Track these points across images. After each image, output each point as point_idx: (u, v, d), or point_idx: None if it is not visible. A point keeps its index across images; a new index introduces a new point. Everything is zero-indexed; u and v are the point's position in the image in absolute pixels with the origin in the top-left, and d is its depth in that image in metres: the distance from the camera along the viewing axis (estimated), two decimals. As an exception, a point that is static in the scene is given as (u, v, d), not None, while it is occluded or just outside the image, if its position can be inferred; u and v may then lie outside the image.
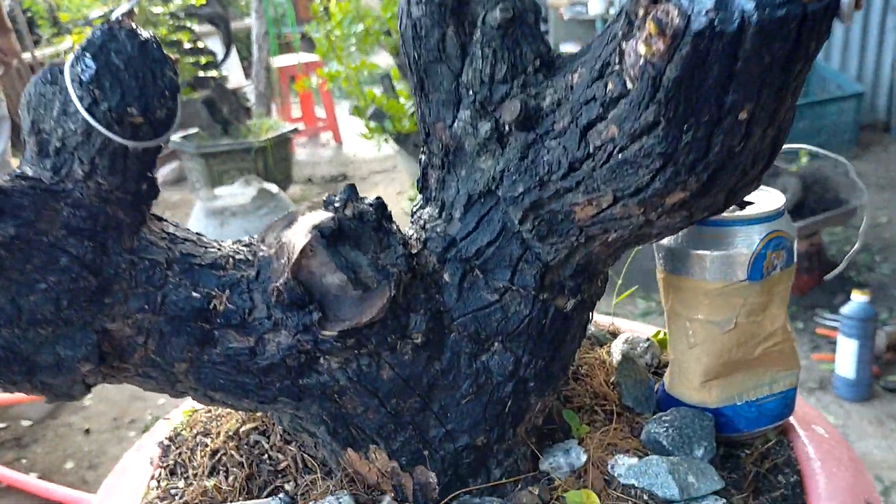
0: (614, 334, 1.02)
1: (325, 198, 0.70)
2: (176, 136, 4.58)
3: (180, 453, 0.85)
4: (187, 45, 5.22)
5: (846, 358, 2.45)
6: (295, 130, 5.09)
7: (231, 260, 0.70)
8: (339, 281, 0.66)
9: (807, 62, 0.50)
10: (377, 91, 3.88)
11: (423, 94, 0.70)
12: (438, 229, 0.72)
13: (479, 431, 0.73)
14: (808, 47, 0.48)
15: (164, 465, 0.84)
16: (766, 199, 0.78)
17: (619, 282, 0.99)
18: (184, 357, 0.68)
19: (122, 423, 2.70)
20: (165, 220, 0.72)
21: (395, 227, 0.70)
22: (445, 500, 0.73)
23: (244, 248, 0.71)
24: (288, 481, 0.78)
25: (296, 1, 7.86)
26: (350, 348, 0.68)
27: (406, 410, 0.71)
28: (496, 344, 0.71)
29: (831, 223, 3.11)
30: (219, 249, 0.71)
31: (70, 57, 0.61)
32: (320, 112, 6.52)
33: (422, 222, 0.74)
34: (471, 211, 0.70)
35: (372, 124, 3.79)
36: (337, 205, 0.69)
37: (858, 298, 2.41)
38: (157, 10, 5.01)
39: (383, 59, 4.45)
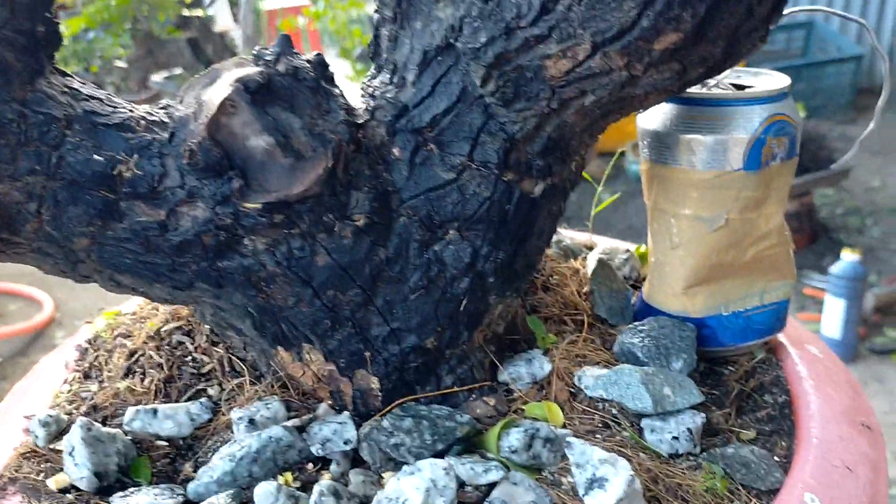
0: (591, 248, 0.92)
1: (257, 49, 0.59)
2: (158, 77, 4.44)
3: (97, 356, 0.75)
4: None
5: (833, 318, 2.40)
6: None
7: (143, 122, 0.59)
8: (265, 145, 0.56)
9: None
10: (364, 32, 3.78)
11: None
12: (389, 95, 0.61)
13: (428, 332, 0.63)
14: None
15: (80, 368, 0.74)
16: (767, 80, 0.68)
17: (600, 189, 0.88)
18: (84, 231, 0.57)
19: None
20: (71, 76, 0.61)
21: (337, 91, 0.60)
22: (389, 407, 0.64)
23: (160, 111, 0.60)
24: (212, 385, 0.68)
25: None
26: (278, 226, 0.57)
27: (345, 304, 0.61)
28: (451, 231, 0.61)
29: (823, 184, 3.04)
30: (130, 111, 0.60)
31: None
32: (307, 54, 6.42)
33: (371, 90, 0.63)
34: (426, 72, 0.59)
35: (359, 66, 3.66)
36: (268, 58, 0.58)
37: (849, 257, 2.36)
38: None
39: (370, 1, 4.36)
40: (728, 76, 0.70)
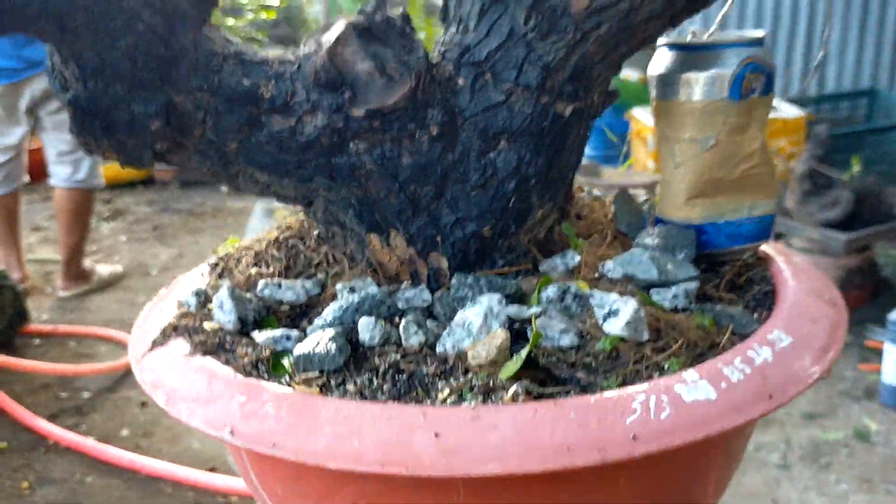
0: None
1: (359, 8, 0.78)
2: None
3: (228, 263, 0.93)
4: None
5: (892, 365, 2.41)
6: None
7: (276, 61, 0.78)
8: (367, 68, 0.74)
9: None
10: None
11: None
12: (456, 40, 0.79)
13: (485, 221, 0.80)
14: None
15: (214, 273, 0.92)
16: (745, 33, 0.84)
17: (625, 149, 1.05)
18: (235, 137, 0.76)
19: None
20: (220, 30, 0.81)
21: (416, 36, 0.78)
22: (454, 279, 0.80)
23: (289, 55, 0.79)
24: (320, 271, 0.86)
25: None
26: (375, 131, 0.75)
27: (422, 196, 0.79)
28: (502, 142, 0.78)
29: (883, 237, 3.03)
30: (266, 54, 0.79)
31: None
32: None
33: (442, 40, 0.81)
34: (483, 19, 0.77)
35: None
36: (368, 10, 0.77)
37: None
38: (230, 22, 5.04)
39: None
40: (715, 35, 0.86)
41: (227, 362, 0.71)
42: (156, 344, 0.77)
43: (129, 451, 2.39)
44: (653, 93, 0.86)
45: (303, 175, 0.77)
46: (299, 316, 0.81)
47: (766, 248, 0.90)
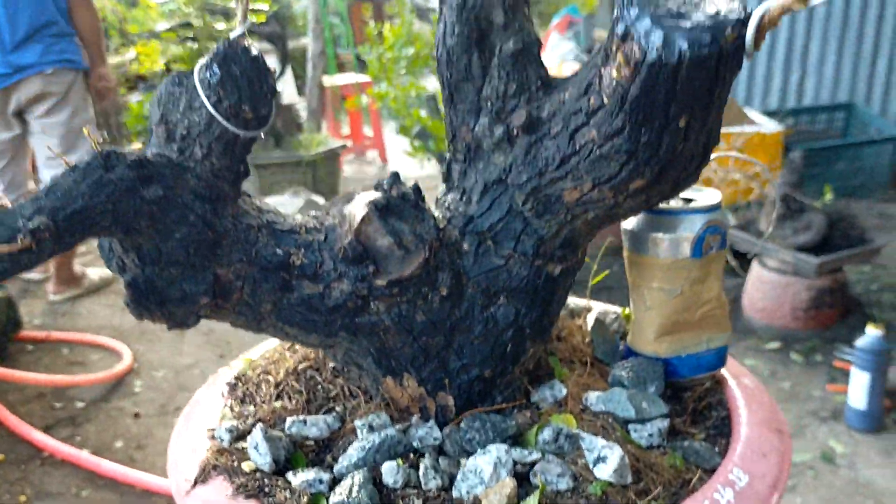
0: (589, 310, 1.20)
1: (375, 182, 0.88)
2: None
3: (247, 388, 1.02)
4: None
5: (858, 389, 2.48)
6: (343, 147, 5.13)
7: (304, 227, 0.88)
8: (388, 243, 0.84)
9: (724, 87, 0.69)
10: (423, 112, 4.00)
11: (452, 105, 0.89)
12: (460, 210, 0.90)
13: (487, 365, 0.91)
14: (724, 76, 0.67)
15: (235, 396, 1.01)
16: (706, 196, 0.98)
17: (595, 266, 1.17)
18: (269, 299, 0.85)
19: (168, 409, 2.78)
20: (250, 196, 0.90)
21: (428, 207, 0.89)
22: (460, 417, 0.91)
23: (313, 219, 0.89)
24: (338, 404, 0.96)
25: (352, 23, 7.88)
26: (394, 295, 0.86)
27: (433, 346, 0.89)
28: (501, 298, 0.90)
29: (855, 260, 3.14)
30: (294, 220, 0.89)
31: (199, 64, 0.80)
32: (368, 130, 6.57)
33: (446, 205, 0.93)
34: (486, 195, 0.89)
35: (416, 143, 3.96)
36: (385, 187, 0.87)
37: (872, 332, 2.46)
38: (220, 26, 4.98)
39: (430, 82, 4.55)
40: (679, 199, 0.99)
41: (268, 506, 0.81)
42: (198, 482, 0.86)
43: (124, 463, 2.39)
44: (625, 244, 0.99)
45: (329, 331, 0.87)
46: (323, 450, 0.91)
47: (722, 371, 1.03)
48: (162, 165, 0.77)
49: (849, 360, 2.73)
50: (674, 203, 0.97)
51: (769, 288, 3.15)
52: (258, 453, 0.86)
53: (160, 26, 4.76)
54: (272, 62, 6.49)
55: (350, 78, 6.53)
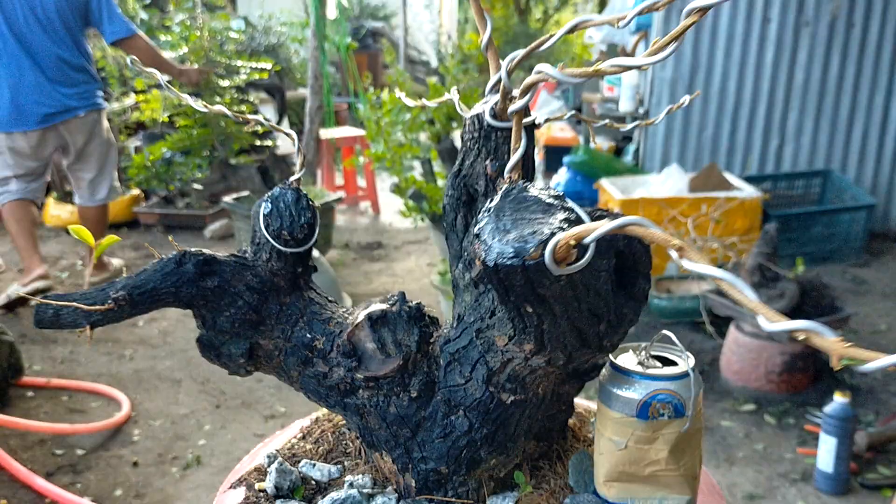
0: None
1: (388, 296, 1.11)
2: (228, 198, 4.83)
3: (311, 428, 1.30)
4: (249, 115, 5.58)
5: (826, 454, 2.62)
6: (339, 199, 5.23)
7: (334, 320, 1.14)
8: (372, 347, 1.07)
9: (552, 289, 0.79)
10: (417, 174, 4.15)
11: (449, 245, 1.08)
12: (446, 331, 1.09)
13: (442, 462, 1.07)
14: (542, 282, 0.78)
15: (302, 431, 1.31)
16: (675, 365, 1.02)
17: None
18: (296, 368, 1.13)
19: (166, 458, 2.84)
20: (314, 290, 1.19)
21: (426, 321, 1.09)
22: (418, 497, 1.09)
23: (346, 314, 1.15)
24: (348, 460, 1.20)
25: (349, 72, 7.70)
26: (372, 388, 1.08)
27: (401, 435, 1.09)
28: (460, 411, 1.06)
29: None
30: (332, 312, 1.15)
31: (261, 198, 1.11)
32: (361, 182, 6.69)
33: (449, 324, 1.11)
34: (459, 324, 1.06)
35: (411, 203, 4.06)
36: (390, 304, 1.10)
37: (839, 399, 2.60)
38: (225, 83, 5.23)
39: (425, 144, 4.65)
40: (661, 349, 1.05)
41: (251, 518, 1.09)
42: (233, 484, 1.17)
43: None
44: (597, 391, 1.07)
45: (328, 403, 1.12)
46: (318, 492, 1.16)
47: (684, 533, 1.05)
48: (225, 263, 1.10)
49: (818, 424, 2.86)
50: (636, 364, 1.03)
51: (745, 351, 3.31)
52: (269, 478, 1.14)
53: (163, 76, 5.19)
54: (270, 113, 6.59)
55: (346, 131, 6.57)
